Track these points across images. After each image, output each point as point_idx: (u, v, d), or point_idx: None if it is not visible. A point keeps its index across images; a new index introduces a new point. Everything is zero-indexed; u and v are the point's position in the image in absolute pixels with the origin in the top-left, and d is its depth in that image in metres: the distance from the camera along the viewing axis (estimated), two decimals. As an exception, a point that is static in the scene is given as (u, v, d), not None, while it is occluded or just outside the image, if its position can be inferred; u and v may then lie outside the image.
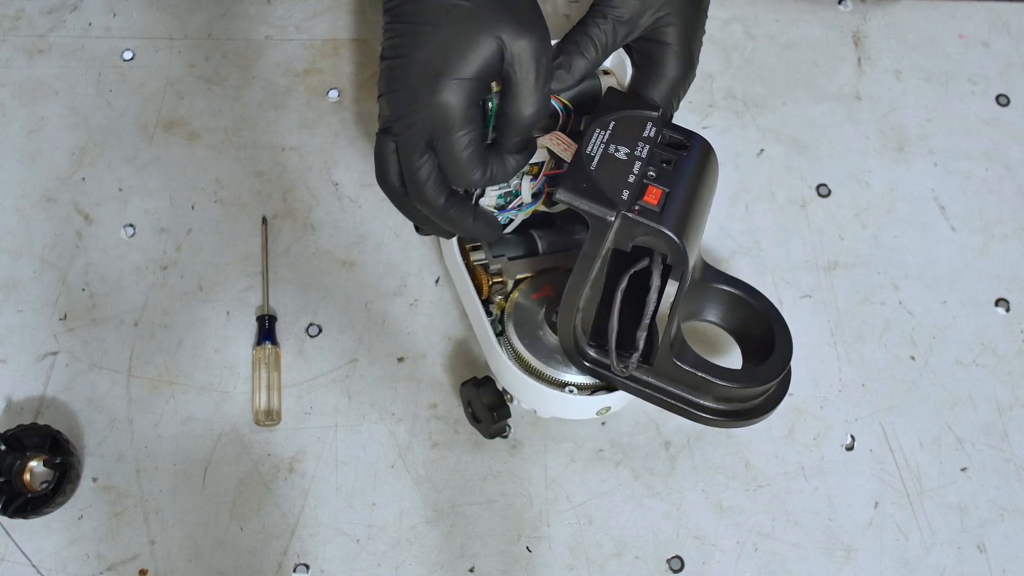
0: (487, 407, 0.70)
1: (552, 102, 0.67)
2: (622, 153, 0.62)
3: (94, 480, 0.72)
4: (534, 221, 0.74)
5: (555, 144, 0.66)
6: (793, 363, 0.68)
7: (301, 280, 0.78)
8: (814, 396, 0.76)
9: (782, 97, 0.87)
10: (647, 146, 0.63)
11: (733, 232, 0.81)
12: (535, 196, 0.71)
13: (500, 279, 0.72)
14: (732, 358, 0.75)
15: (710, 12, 0.71)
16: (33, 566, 0.69)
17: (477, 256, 0.72)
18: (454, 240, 0.72)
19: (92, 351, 0.75)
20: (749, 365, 0.69)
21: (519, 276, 0.72)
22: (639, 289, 0.62)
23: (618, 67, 0.70)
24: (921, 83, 0.88)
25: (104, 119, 0.83)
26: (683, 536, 0.71)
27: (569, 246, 0.74)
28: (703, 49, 0.70)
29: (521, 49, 0.61)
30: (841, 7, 0.91)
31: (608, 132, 0.63)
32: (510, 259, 0.72)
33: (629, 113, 0.64)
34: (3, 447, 0.70)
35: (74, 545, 0.70)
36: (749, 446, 0.74)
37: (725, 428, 0.71)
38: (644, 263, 0.62)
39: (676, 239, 0.59)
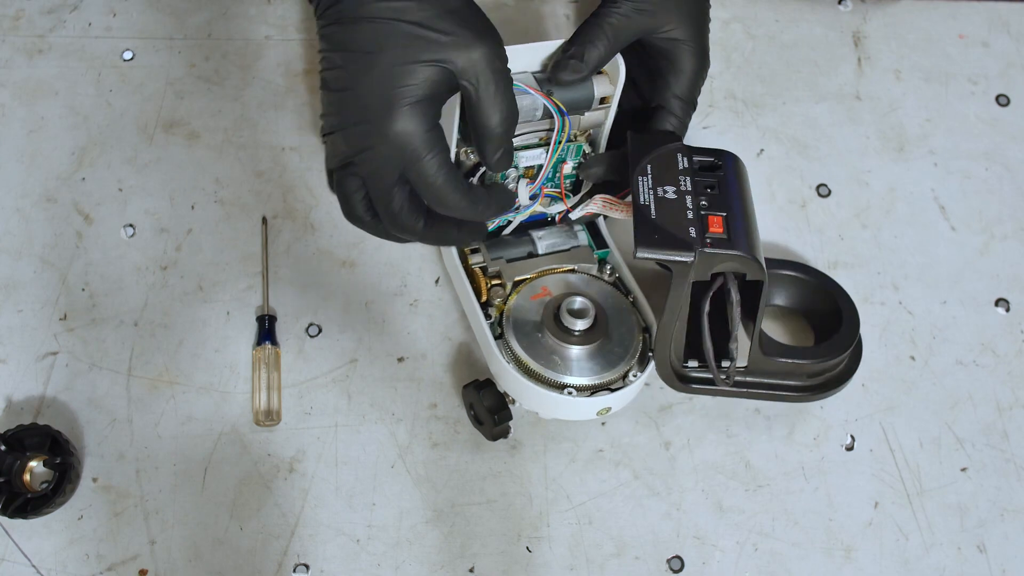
0: (488, 410, 0.70)
1: (546, 103, 0.66)
2: (671, 193, 0.64)
3: (94, 480, 0.72)
4: (532, 223, 0.74)
5: (601, 207, 0.69)
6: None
7: (301, 280, 0.78)
8: (814, 396, 0.76)
9: (782, 97, 0.87)
10: (687, 177, 0.65)
11: (733, 232, 0.82)
12: (532, 198, 0.71)
13: (499, 281, 0.72)
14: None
15: (710, 12, 0.72)
16: (33, 566, 0.69)
17: (476, 259, 0.72)
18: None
19: (92, 351, 0.75)
20: (821, 338, 0.75)
21: (518, 278, 0.72)
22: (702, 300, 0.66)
23: (611, 68, 0.69)
24: (921, 83, 0.88)
25: (104, 119, 0.83)
26: (683, 536, 0.71)
27: (567, 247, 0.74)
28: (703, 49, 0.71)
29: (471, 61, 0.59)
30: (841, 7, 0.91)
31: (650, 177, 0.65)
32: (508, 261, 0.72)
33: (658, 152, 0.67)
34: (3, 447, 0.70)
35: (74, 545, 0.70)
36: (749, 446, 0.74)
37: (818, 400, 0.75)
38: (720, 282, 0.64)
39: (752, 258, 0.63)
